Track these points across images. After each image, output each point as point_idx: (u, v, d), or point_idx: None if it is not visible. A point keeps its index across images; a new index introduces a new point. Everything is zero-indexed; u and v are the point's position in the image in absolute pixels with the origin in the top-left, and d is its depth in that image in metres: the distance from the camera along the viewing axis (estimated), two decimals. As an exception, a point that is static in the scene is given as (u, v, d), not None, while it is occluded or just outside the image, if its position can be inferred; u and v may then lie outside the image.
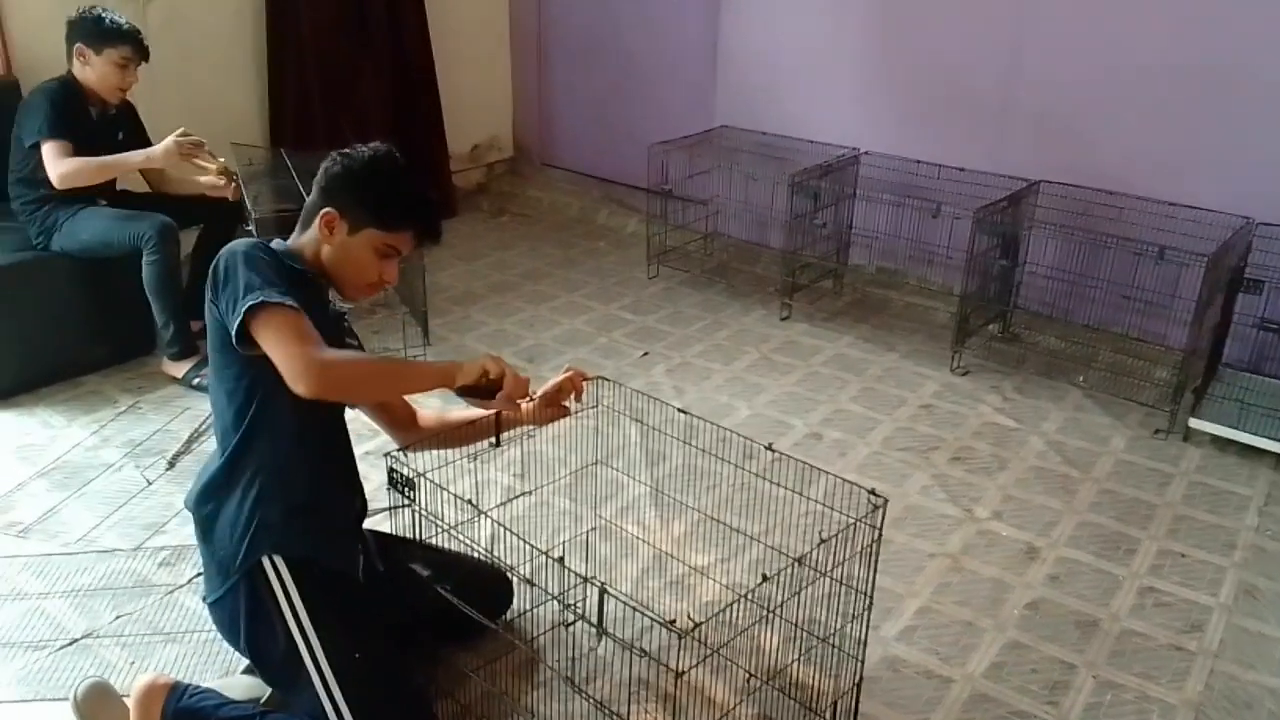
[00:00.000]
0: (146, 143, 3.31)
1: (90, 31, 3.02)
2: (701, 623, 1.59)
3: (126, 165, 3.10)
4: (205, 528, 1.76)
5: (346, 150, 1.82)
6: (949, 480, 2.78)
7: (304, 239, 1.83)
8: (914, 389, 3.29)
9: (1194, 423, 2.95)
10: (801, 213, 3.70)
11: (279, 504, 1.73)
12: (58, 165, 2.97)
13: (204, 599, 1.79)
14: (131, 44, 3.06)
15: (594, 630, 1.62)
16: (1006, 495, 2.71)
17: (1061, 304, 3.52)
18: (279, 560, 1.69)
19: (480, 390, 1.73)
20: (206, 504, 1.76)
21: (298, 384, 1.58)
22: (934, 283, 3.88)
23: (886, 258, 3.98)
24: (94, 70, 3.04)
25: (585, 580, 1.62)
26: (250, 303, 1.59)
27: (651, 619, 2.05)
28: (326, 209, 1.78)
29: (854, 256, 4.04)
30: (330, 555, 1.77)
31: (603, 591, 1.60)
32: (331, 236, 1.78)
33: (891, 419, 3.10)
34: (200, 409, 3.02)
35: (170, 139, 3.05)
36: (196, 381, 3.14)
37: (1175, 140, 3.31)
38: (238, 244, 1.72)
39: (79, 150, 3.01)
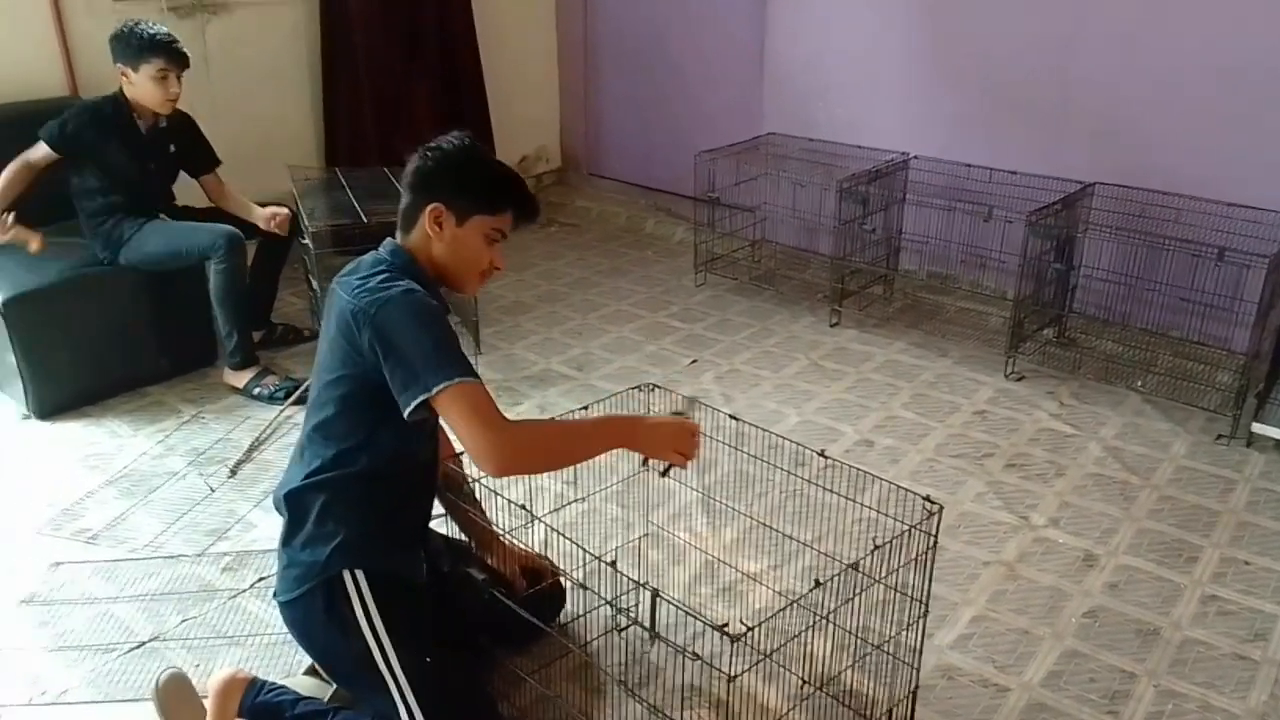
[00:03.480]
0: (206, 153, 3.39)
1: (125, 50, 3.04)
2: (754, 627, 1.59)
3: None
4: (289, 532, 1.77)
5: (433, 145, 1.80)
6: (1004, 487, 2.74)
7: (413, 242, 1.80)
8: (968, 395, 3.26)
9: (1258, 428, 2.88)
10: (850, 218, 3.68)
11: (369, 524, 1.75)
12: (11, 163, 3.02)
13: (275, 596, 1.80)
14: (165, 54, 3.04)
15: (646, 634, 1.63)
16: (1064, 502, 2.67)
17: (1118, 307, 3.46)
18: (359, 573, 1.71)
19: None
20: (294, 510, 1.77)
21: (486, 465, 1.61)
22: (987, 287, 3.84)
23: (938, 263, 3.95)
24: (137, 87, 3.07)
25: (638, 585, 1.64)
26: (443, 386, 1.59)
27: (704, 623, 2.05)
28: (433, 204, 1.76)
29: (904, 262, 4.01)
30: (406, 566, 1.80)
31: (655, 595, 1.61)
32: (441, 231, 1.77)
33: (944, 425, 3.07)
34: (260, 418, 3.09)
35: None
36: (258, 391, 3.21)
37: (1233, 139, 3.24)
38: (394, 295, 1.66)
39: (127, 162, 3.11)
